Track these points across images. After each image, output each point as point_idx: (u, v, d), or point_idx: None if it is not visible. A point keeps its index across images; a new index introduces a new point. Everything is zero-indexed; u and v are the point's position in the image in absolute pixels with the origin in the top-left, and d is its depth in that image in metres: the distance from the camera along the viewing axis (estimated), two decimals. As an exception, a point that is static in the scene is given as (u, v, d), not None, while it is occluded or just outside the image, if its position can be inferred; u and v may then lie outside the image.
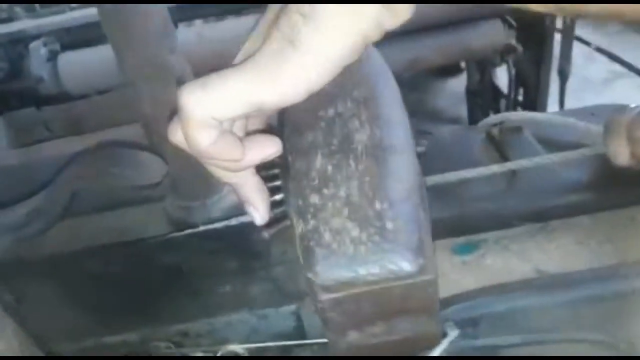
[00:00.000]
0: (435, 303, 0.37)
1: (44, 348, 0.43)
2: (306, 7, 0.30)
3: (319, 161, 0.39)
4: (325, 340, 0.54)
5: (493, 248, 0.63)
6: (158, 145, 0.67)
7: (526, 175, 0.69)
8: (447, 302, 0.54)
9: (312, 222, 0.36)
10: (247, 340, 0.55)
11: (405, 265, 0.34)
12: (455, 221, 0.65)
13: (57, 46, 1.31)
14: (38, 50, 1.29)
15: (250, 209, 0.43)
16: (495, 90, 1.92)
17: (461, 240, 0.64)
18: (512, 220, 0.66)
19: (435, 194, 0.69)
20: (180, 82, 0.66)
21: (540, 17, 1.43)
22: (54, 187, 0.63)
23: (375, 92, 0.44)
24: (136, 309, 0.57)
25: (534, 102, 1.75)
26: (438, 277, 0.35)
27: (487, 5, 1.33)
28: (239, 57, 0.36)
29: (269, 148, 0.39)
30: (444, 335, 0.49)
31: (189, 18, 1.20)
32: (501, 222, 0.66)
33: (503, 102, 1.91)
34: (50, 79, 1.27)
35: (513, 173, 0.70)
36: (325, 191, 0.37)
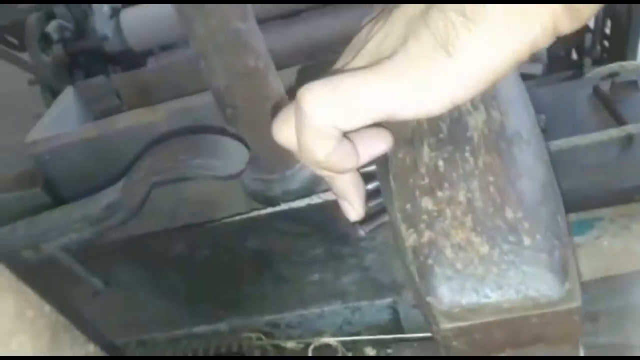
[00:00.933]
0: (579, 332, 0.31)
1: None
2: (468, 7, 0.25)
3: (426, 154, 0.33)
4: (424, 335, 0.51)
5: (610, 228, 0.55)
6: (231, 119, 0.63)
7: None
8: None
9: (427, 234, 0.31)
10: (340, 333, 0.52)
11: (549, 292, 0.29)
12: (565, 196, 0.58)
13: (118, 4, 1.31)
14: (101, 8, 1.29)
15: (344, 205, 0.39)
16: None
17: (572, 218, 0.57)
18: (632, 194, 0.57)
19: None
20: (254, 52, 0.62)
21: None
22: (131, 181, 0.60)
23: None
24: (225, 297, 0.56)
25: (624, 36, 1.57)
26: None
27: None
28: (365, 56, 0.30)
29: (380, 146, 0.34)
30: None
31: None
32: (619, 196, 0.58)
33: (588, 37, 1.74)
34: (114, 37, 1.27)
35: (630, 138, 0.62)
36: (439, 194, 0.32)
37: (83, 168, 0.80)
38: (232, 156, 0.60)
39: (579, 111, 0.70)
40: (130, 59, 1.26)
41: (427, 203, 0.32)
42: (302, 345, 0.52)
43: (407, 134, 0.35)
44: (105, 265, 0.57)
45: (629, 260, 0.52)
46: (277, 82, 0.64)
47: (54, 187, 0.83)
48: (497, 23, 0.25)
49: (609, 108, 0.68)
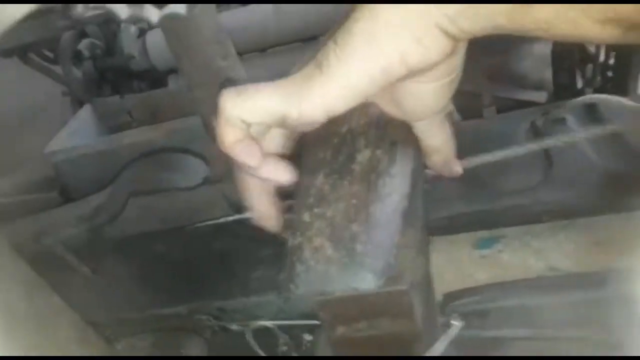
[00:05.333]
0: (411, 309, 0.40)
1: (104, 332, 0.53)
2: (339, 36, 0.32)
3: (320, 179, 0.41)
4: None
5: (512, 244, 0.64)
6: (215, 139, 0.75)
7: (564, 166, 0.68)
8: (457, 295, 0.58)
9: (298, 239, 0.39)
10: (275, 318, 0.63)
11: (365, 286, 0.37)
12: (484, 215, 0.66)
13: (145, 24, 1.39)
14: (129, 28, 1.32)
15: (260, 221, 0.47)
16: (584, 53, 1.76)
17: (484, 234, 0.66)
18: (541, 216, 0.65)
19: (466, 183, 0.68)
20: (233, 83, 0.73)
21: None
22: (115, 188, 0.74)
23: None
24: (186, 286, 0.68)
25: (627, 67, 1.58)
26: (413, 288, 0.39)
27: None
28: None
29: (281, 175, 0.41)
30: (449, 326, 0.53)
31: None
32: (530, 217, 0.66)
33: (589, 67, 1.76)
34: (140, 56, 1.30)
35: (549, 164, 0.69)
36: (315, 210, 0.40)
37: (94, 176, 0.92)
38: (193, 171, 0.73)
39: (512, 143, 0.77)
40: (153, 77, 1.33)
41: (305, 216, 0.40)
42: (242, 327, 0.63)
43: (314, 163, 0.42)
44: (95, 258, 0.70)
45: (523, 272, 0.61)
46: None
47: (69, 192, 0.96)
48: (354, 50, 0.31)
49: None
